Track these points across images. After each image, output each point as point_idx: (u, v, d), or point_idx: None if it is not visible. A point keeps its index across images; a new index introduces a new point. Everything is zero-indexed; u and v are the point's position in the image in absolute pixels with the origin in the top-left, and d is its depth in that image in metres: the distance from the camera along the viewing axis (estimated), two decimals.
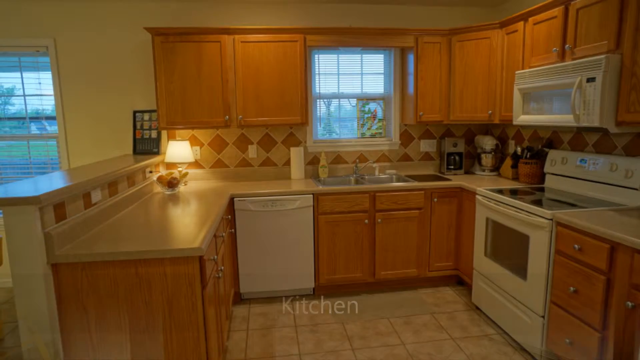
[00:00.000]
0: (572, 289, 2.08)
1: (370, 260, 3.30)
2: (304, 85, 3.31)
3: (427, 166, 3.95)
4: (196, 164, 3.64)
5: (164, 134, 3.54)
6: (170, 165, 3.57)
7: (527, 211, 2.43)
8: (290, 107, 3.32)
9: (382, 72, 3.84)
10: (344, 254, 3.26)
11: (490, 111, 3.29)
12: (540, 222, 2.29)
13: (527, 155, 3.16)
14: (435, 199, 3.31)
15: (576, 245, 2.05)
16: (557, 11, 2.52)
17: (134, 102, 3.51)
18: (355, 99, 3.85)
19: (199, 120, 3.24)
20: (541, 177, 3.11)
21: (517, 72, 2.84)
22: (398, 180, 3.60)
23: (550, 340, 2.26)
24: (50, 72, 3.41)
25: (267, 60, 3.24)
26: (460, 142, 3.75)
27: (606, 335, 1.92)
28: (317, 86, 3.75)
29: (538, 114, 2.66)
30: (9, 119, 3.49)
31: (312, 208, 3.17)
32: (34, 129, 3.52)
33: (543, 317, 2.31)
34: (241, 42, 3.19)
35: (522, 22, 2.89)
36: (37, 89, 3.47)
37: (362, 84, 3.83)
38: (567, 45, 2.44)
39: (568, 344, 2.13)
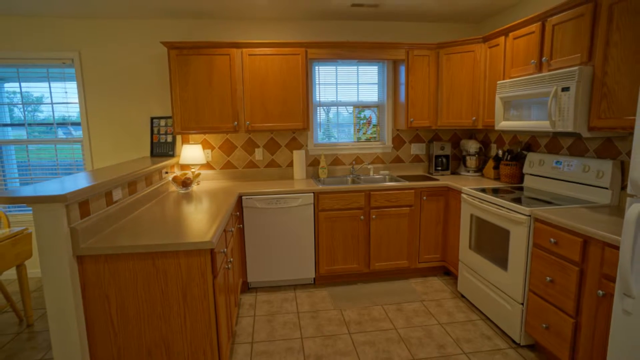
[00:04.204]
0: (548, 278, 2.08)
1: (366, 252, 3.30)
2: (305, 94, 3.32)
3: (417, 167, 3.95)
4: (208, 165, 3.64)
5: (178, 138, 3.55)
6: (184, 167, 3.59)
7: (507, 208, 2.43)
8: (293, 113, 3.32)
9: (377, 82, 3.83)
10: (342, 247, 3.26)
11: (474, 117, 3.29)
12: (520, 218, 2.29)
13: (507, 158, 3.17)
14: (425, 197, 3.31)
15: (552, 239, 2.05)
16: (535, 27, 2.52)
17: (151, 109, 3.51)
18: (351, 107, 3.85)
19: (210, 126, 3.24)
20: (520, 178, 3.12)
21: (498, 82, 2.84)
22: (391, 180, 3.60)
23: (529, 325, 2.26)
24: (75, 82, 3.42)
25: (272, 71, 3.25)
26: (447, 145, 3.75)
27: (579, 320, 1.92)
28: (317, 95, 3.75)
29: (518, 120, 2.66)
30: (38, 124, 3.49)
31: (312, 205, 3.17)
32: (60, 133, 3.52)
33: (522, 304, 2.32)
34: (248, 55, 3.19)
35: (503, 37, 2.89)
36: (63, 97, 3.47)
37: (358, 93, 3.83)
38: (544, 58, 2.44)
39: (545, 328, 2.13)
